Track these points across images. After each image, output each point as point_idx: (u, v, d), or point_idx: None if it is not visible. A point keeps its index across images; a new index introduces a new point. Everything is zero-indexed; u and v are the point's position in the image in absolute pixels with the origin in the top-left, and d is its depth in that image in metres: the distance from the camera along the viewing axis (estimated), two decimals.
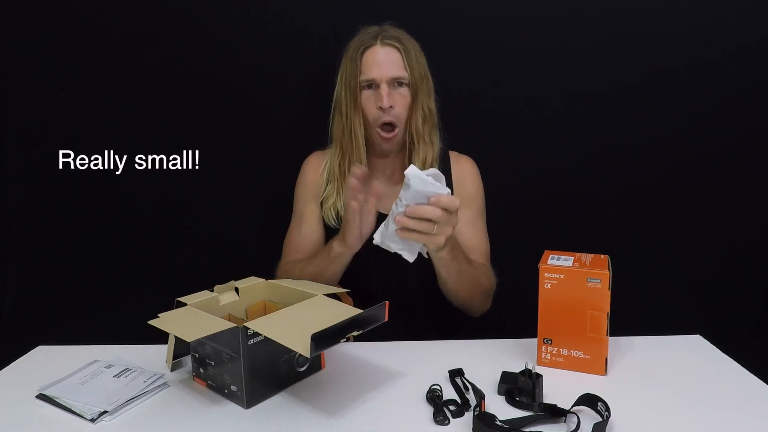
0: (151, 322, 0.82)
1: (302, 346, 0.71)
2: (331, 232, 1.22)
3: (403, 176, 1.21)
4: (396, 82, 1.15)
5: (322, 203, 1.24)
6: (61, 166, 1.46)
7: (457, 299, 1.15)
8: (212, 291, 0.96)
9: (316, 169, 1.26)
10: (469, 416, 0.79)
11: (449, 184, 1.25)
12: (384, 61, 1.13)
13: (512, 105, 1.44)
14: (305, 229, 1.24)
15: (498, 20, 1.41)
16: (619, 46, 1.41)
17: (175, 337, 0.91)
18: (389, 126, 1.16)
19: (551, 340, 0.94)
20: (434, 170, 0.87)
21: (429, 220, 0.86)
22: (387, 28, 1.18)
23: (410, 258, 0.94)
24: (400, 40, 1.16)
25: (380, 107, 1.13)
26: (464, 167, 1.28)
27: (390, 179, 1.26)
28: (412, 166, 0.85)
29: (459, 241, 1.14)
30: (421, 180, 0.84)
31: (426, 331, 1.15)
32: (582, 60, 1.42)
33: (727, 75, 1.42)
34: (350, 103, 1.16)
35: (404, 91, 1.16)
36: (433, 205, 0.85)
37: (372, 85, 1.15)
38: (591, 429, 0.72)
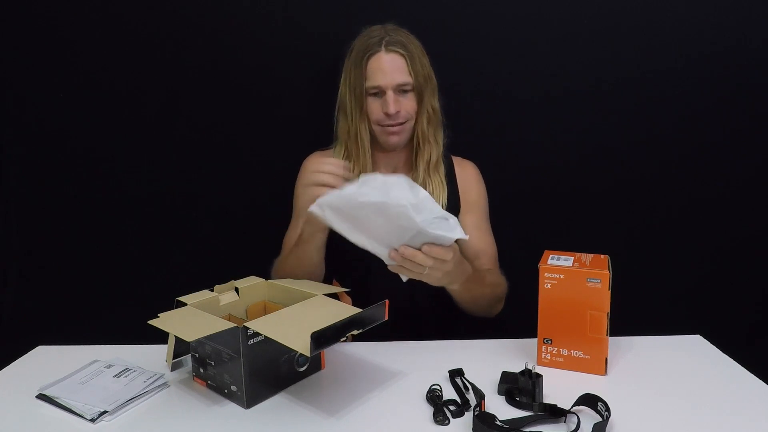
0: (151, 322, 0.82)
1: (302, 346, 0.71)
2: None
3: (408, 170, 1.20)
4: (401, 89, 1.15)
5: None
6: (60, 166, 1.46)
7: (474, 312, 1.17)
8: (212, 291, 0.96)
9: None
10: (469, 416, 0.79)
11: (454, 189, 1.25)
12: (389, 68, 1.13)
13: (511, 104, 1.44)
14: None
15: (496, 20, 1.41)
16: (617, 44, 1.41)
17: (175, 336, 0.91)
18: (397, 125, 1.17)
19: (551, 340, 0.94)
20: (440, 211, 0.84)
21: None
22: (390, 30, 1.17)
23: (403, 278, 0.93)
24: (404, 45, 1.15)
25: (386, 113, 1.14)
26: (468, 172, 1.29)
27: (394, 173, 1.26)
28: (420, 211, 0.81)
29: (467, 246, 1.15)
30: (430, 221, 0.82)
31: (426, 331, 1.15)
32: (581, 58, 1.42)
33: (726, 73, 1.42)
34: (356, 108, 1.17)
35: (410, 96, 1.17)
36: (425, 253, 0.85)
37: (378, 92, 1.15)
38: (591, 429, 0.72)
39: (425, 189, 1.18)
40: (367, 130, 1.18)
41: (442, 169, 1.23)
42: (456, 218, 0.85)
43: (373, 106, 1.16)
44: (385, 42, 1.14)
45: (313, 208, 0.88)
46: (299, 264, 1.10)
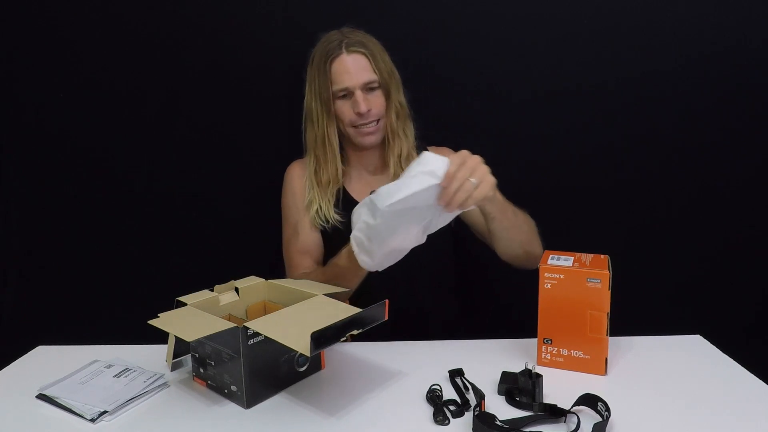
0: (151, 322, 0.82)
1: (302, 346, 0.71)
2: (323, 232, 1.24)
3: (383, 166, 1.24)
4: (368, 87, 1.16)
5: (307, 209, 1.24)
6: (60, 166, 1.46)
7: (521, 243, 1.11)
8: (212, 291, 0.96)
9: (300, 177, 1.27)
10: (469, 416, 0.79)
11: None
12: (353, 68, 1.15)
13: (511, 104, 1.44)
14: (306, 234, 1.24)
15: (496, 20, 1.41)
16: (617, 44, 1.41)
17: (175, 336, 0.91)
18: (371, 123, 1.18)
19: (551, 340, 0.94)
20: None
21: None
22: (347, 32, 1.18)
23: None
24: (364, 44, 1.17)
25: (358, 113, 1.15)
26: (446, 156, 1.29)
27: (374, 171, 1.28)
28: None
29: (478, 217, 1.16)
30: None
31: (426, 331, 1.15)
32: (581, 58, 1.42)
33: (726, 73, 1.42)
34: (322, 113, 1.18)
35: (377, 93, 1.18)
36: (461, 165, 0.82)
37: (346, 94, 1.17)
38: (591, 429, 0.72)
39: (401, 156, 1.21)
40: (335, 133, 1.20)
41: (412, 138, 1.24)
42: (425, 154, 0.83)
43: (344, 108, 1.17)
44: (345, 44, 1.15)
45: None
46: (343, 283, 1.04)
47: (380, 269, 0.93)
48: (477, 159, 0.85)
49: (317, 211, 1.21)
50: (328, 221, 1.21)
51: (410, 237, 0.88)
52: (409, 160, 1.23)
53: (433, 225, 0.89)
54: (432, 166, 0.81)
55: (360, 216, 0.87)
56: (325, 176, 1.21)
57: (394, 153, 1.22)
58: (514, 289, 1.22)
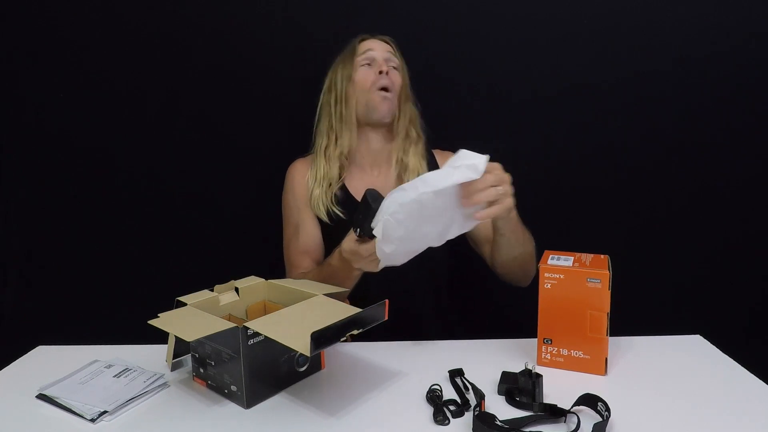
0: (151, 322, 0.82)
1: (302, 345, 0.71)
2: (323, 228, 1.24)
3: (386, 165, 1.25)
4: (390, 65, 1.22)
5: (310, 200, 1.24)
6: (60, 166, 1.46)
7: (521, 263, 1.13)
8: (212, 291, 0.96)
9: (303, 176, 1.26)
10: (469, 416, 0.79)
11: None
12: (380, 46, 1.23)
13: (511, 104, 1.44)
14: (307, 234, 1.24)
15: (496, 20, 1.41)
16: (617, 44, 1.41)
17: (175, 336, 0.91)
18: (386, 90, 1.21)
19: (551, 340, 0.94)
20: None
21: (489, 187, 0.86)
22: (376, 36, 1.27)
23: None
24: (390, 40, 1.26)
25: (379, 71, 1.19)
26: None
27: (377, 170, 1.28)
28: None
29: (478, 232, 1.20)
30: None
31: (426, 331, 1.15)
32: (581, 58, 1.42)
33: (726, 73, 1.42)
34: (343, 83, 1.21)
35: (397, 73, 1.23)
36: (490, 173, 0.85)
37: (370, 63, 1.22)
38: (591, 429, 0.72)
39: (405, 158, 1.23)
40: (354, 106, 1.21)
41: (421, 146, 1.25)
42: (462, 151, 0.85)
43: (366, 74, 1.21)
44: (372, 34, 1.25)
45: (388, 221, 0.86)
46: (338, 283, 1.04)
47: (395, 264, 0.93)
48: (506, 177, 0.89)
49: (318, 198, 1.21)
50: (327, 210, 1.20)
51: (430, 236, 0.89)
52: (417, 145, 1.25)
53: (451, 231, 0.90)
54: (473, 161, 0.84)
55: (395, 200, 0.84)
56: (338, 150, 1.22)
57: (398, 152, 1.23)
58: (513, 289, 1.21)
